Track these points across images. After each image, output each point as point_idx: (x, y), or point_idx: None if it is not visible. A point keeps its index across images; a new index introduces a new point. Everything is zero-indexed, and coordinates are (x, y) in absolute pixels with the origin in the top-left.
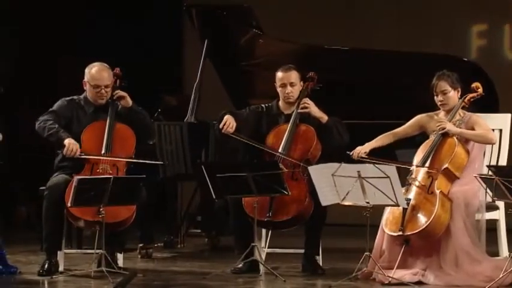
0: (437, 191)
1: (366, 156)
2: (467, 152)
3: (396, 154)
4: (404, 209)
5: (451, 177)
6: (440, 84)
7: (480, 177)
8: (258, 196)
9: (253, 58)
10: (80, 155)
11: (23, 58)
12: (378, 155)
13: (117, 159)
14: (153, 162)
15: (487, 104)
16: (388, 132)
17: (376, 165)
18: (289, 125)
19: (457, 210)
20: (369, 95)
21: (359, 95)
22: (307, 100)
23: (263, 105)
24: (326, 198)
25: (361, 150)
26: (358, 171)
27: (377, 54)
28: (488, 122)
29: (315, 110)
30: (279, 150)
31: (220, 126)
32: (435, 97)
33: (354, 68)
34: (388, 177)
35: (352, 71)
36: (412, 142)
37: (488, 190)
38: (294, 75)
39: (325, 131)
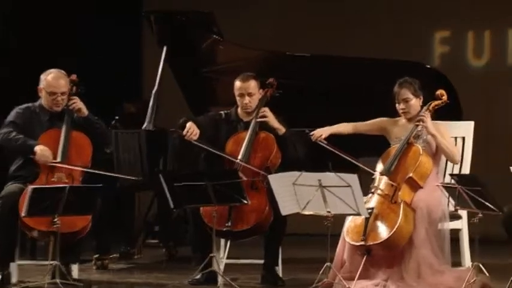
0: (401, 201)
1: (324, 142)
2: (431, 161)
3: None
4: (367, 218)
5: (414, 186)
6: (402, 92)
7: (443, 186)
8: (217, 205)
9: (213, 65)
10: (52, 162)
11: None
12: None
13: (88, 170)
14: (128, 177)
15: (450, 112)
16: (350, 123)
17: (338, 173)
18: (249, 132)
19: (420, 220)
20: (333, 102)
21: (322, 103)
22: (266, 110)
23: (222, 112)
24: (286, 207)
25: (321, 132)
26: (319, 180)
27: (340, 61)
28: (451, 130)
29: (272, 120)
30: (239, 158)
31: (184, 133)
32: (397, 105)
33: (316, 75)
34: (349, 186)
35: (315, 78)
36: (374, 149)
37: (450, 199)
38: (252, 85)
39: (281, 143)
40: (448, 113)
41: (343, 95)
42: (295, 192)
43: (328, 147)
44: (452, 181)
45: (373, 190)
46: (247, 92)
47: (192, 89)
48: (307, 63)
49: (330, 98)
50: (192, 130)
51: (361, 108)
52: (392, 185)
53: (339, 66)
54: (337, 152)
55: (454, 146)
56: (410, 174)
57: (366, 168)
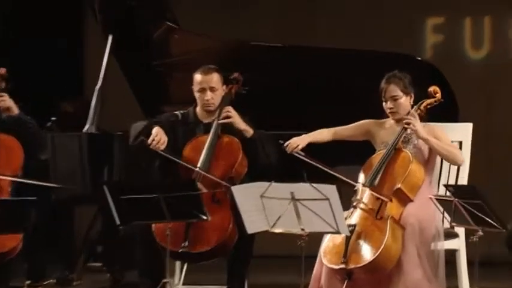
0: (388, 216)
1: (302, 153)
2: (423, 169)
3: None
4: (348, 237)
5: (403, 199)
6: (389, 88)
7: (436, 199)
8: (172, 222)
9: (167, 57)
10: None
11: None
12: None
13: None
14: (45, 184)
15: (445, 112)
16: (329, 129)
17: (314, 184)
18: (209, 136)
19: (410, 239)
20: (308, 101)
21: (296, 102)
22: (229, 109)
23: (178, 113)
24: (253, 224)
25: (297, 142)
26: (292, 192)
27: (316, 52)
28: (446, 133)
29: (238, 121)
30: (198, 166)
31: (149, 141)
32: (384, 103)
33: (289, 68)
34: (327, 199)
35: (287, 73)
36: (358, 155)
37: (445, 214)
38: (215, 79)
39: (249, 146)
40: (442, 113)
41: (320, 92)
42: (263, 207)
43: (306, 159)
44: (448, 193)
45: (355, 204)
46: (210, 86)
47: (142, 85)
48: (278, 55)
49: (304, 96)
50: (159, 138)
51: (342, 108)
52: (377, 198)
53: (315, 58)
54: (317, 164)
55: (453, 145)
56: (399, 185)
57: (347, 179)
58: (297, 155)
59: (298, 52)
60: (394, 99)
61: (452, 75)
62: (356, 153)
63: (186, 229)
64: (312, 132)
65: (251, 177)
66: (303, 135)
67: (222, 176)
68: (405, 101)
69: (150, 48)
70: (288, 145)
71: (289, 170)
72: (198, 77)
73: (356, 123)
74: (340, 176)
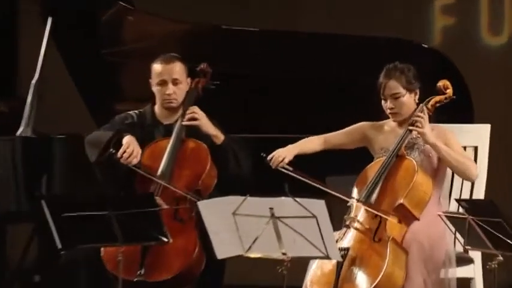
0: (388, 238)
1: (290, 168)
2: (431, 181)
3: (326, 182)
4: (339, 264)
5: (407, 217)
6: (389, 84)
7: (446, 216)
8: (125, 245)
9: (119, 44)
10: None
11: None
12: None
13: None
14: None
15: (457, 111)
16: (318, 136)
17: (298, 199)
18: (171, 141)
19: (415, 265)
20: (292, 99)
21: (277, 100)
22: (195, 109)
23: (132, 113)
24: (223, 248)
25: (282, 155)
26: (271, 209)
27: (301, 39)
28: (458, 137)
29: (206, 124)
30: (156, 176)
31: (120, 154)
32: (383, 102)
33: (269, 59)
34: (314, 216)
35: (266, 64)
36: (351, 164)
37: (458, 235)
38: (178, 69)
39: (218, 155)
40: (453, 112)
41: (306, 89)
42: (236, 226)
43: (295, 175)
44: (460, 209)
45: (348, 223)
46: (172, 77)
47: (88, 78)
48: (256, 42)
49: (286, 93)
50: (131, 149)
51: (331, 107)
52: (375, 216)
53: (301, 47)
54: (310, 181)
55: (466, 156)
56: (401, 201)
57: (338, 194)
58: (283, 170)
59: (282, 38)
60: (395, 97)
61: (465, 65)
62: (350, 160)
63: (142, 254)
64: (299, 142)
65: (221, 190)
66: (289, 146)
67: (187, 188)
68: (409, 99)
69: (99, 34)
70: (271, 159)
71: (267, 180)
72: (157, 67)
73: (349, 128)
74: (332, 191)
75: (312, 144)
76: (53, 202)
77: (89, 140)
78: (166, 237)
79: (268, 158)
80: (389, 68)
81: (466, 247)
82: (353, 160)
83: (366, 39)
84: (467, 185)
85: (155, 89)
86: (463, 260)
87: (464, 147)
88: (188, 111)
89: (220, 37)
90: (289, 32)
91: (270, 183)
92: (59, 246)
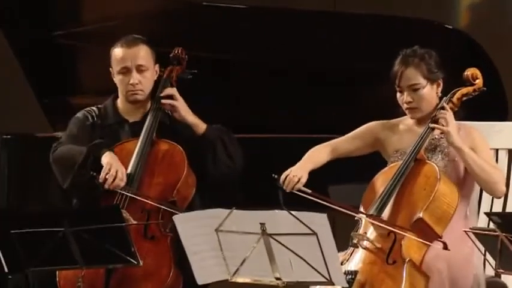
0: (404, 261)
1: (308, 191)
2: (456, 191)
3: (329, 192)
4: None
5: (427, 235)
6: (407, 73)
7: (474, 233)
8: (85, 269)
9: (75, 24)
10: None
11: None
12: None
13: None
14: None
15: (487, 106)
16: (324, 144)
17: (294, 212)
18: (139, 142)
19: None
20: (285, 91)
21: (276, 89)
22: (172, 91)
23: (92, 111)
24: (205, 271)
25: (299, 176)
26: (262, 224)
27: (301, 17)
28: (488, 138)
29: (184, 110)
30: (121, 185)
31: (102, 178)
32: (398, 95)
33: (257, 43)
34: (314, 233)
35: (254, 49)
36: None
37: (488, 255)
38: (142, 53)
39: (202, 148)
40: (483, 108)
41: (305, 79)
42: (220, 245)
43: (314, 198)
44: (491, 225)
45: (356, 241)
46: (136, 63)
47: (38, 66)
48: (248, 22)
49: (282, 84)
50: (114, 172)
51: (336, 102)
52: (388, 233)
53: (299, 28)
54: (331, 204)
55: (495, 166)
56: (420, 215)
57: (347, 211)
58: (299, 193)
59: (276, 18)
60: (414, 88)
61: (497, 50)
62: (358, 166)
63: (106, 278)
64: (307, 156)
65: (205, 197)
66: (300, 163)
67: (159, 199)
68: (430, 91)
69: (50, 13)
70: (285, 181)
71: (257, 190)
72: (118, 52)
73: (357, 131)
74: (343, 209)
75: (321, 155)
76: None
77: (57, 160)
78: (135, 259)
79: (281, 179)
80: (406, 53)
81: (498, 270)
82: (361, 165)
83: (378, 19)
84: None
85: (117, 78)
86: (495, 285)
87: (496, 150)
88: (163, 94)
89: (200, 16)
90: (286, 9)
91: (261, 193)
92: (6, 269)
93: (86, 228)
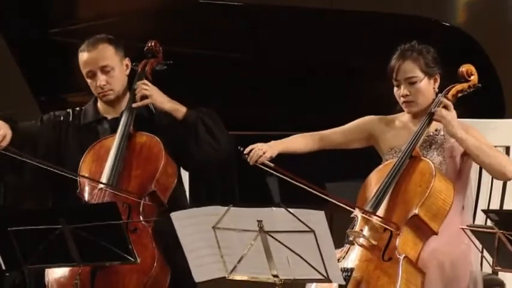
0: (400, 257)
1: (270, 164)
2: (452, 188)
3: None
4: (342, 287)
5: (423, 231)
6: (404, 66)
7: (472, 231)
8: (82, 266)
9: (71, 21)
10: None
11: None
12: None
13: None
14: None
15: (484, 104)
16: (313, 133)
17: (291, 209)
18: (117, 137)
19: None
20: (287, 87)
21: (271, 87)
22: (145, 84)
23: (69, 111)
24: (203, 269)
25: (264, 150)
26: (260, 221)
27: (297, 14)
28: (486, 135)
29: (159, 98)
30: (103, 181)
31: None
32: (395, 89)
33: (255, 41)
34: (311, 231)
35: (251, 47)
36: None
37: (486, 252)
38: (105, 53)
39: (185, 133)
40: (480, 105)
41: (301, 76)
42: (217, 243)
43: (277, 173)
44: (489, 222)
45: (351, 239)
46: (99, 66)
47: (35, 63)
48: (239, 20)
49: (276, 81)
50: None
51: (332, 99)
52: (384, 230)
53: (296, 25)
54: (295, 181)
55: (498, 151)
56: (416, 211)
57: (340, 203)
58: (263, 167)
59: (272, 15)
60: (411, 81)
61: (494, 47)
62: (353, 163)
63: (91, 271)
64: (287, 138)
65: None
66: (273, 142)
67: (139, 191)
68: (427, 85)
69: (47, 11)
70: (250, 153)
71: (254, 186)
72: (81, 56)
73: (352, 124)
74: (331, 199)
75: (303, 141)
76: None
77: None
78: (133, 256)
79: (245, 151)
80: (404, 48)
81: (496, 268)
82: (357, 163)
83: (375, 17)
84: (496, 193)
85: (88, 82)
86: (492, 283)
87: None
88: (137, 90)
89: (196, 14)
90: (282, 7)
91: (258, 190)
92: (3, 267)
93: (83, 225)
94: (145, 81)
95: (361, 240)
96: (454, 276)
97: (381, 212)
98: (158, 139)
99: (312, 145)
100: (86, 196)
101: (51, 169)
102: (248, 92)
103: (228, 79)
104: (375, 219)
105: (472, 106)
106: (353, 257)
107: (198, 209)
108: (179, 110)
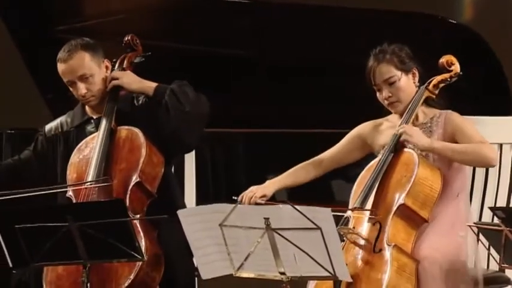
0: (389, 246)
1: (262, 202)
2: (438, 174)
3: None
4: (337, 283)
5: (412, 219)
6: (379, 69)
7: (478, 228)
8: (89, 263)
9: (79, 19)
10: None
11: None
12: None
13: None
14: None
15: (490, 100)
16: (308, 161)
17: (298, 207)
18: (99, 134)
19: (430, 281)
20: (285, 84)
21: (268, 84)
22: (115, 74)
23: (57, 123)
24: (209, 266)
25: (255, 192)
26: (267, 219)
27: (301, 11)
28: (491, 133)
29: (127, 82)
30: (89, 179)
31: None
32: (378, 94)
33: (260, 38)
34: (318, 228)
35: (255, 44)
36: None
37: (492, 250)
38: (81, 62)
39: (158, 108)
40: (486, 102)
41: (301, 74)
42: (224, 240)
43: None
44: (495, 220)
45: (343, 234)
46: (77, 75)
47: (42, 61)
48: (242, 17)
49: (278, 79)
50: None
51: (332, 99)
52: (374, 223)
53: (300, 23)
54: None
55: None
56: (402, 201)
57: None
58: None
59: (275, 12)
60: (390, 82)
61: (501, 44)
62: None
63: (87, 272)
64: (284, 174)
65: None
66: (268, 181)
67: (124, 183)
68: (406, 81)
69: (52, 8)
70: (242, 197)
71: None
72: (59, 67)
73: (345, 138)
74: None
75: (303, 172)
76: (2, 211)
77: None
78: (140, 254)
79: (239, 199)
80: (376, 52)
81: (502, 265)
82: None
83: (379, 14)
84: (503, 190)
85: (71, 89)
86: (499, 280)
87: (500, 145)
88: (108, 82)
89: (201, 11)
90: (286, 4)
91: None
92: (11, 264)
93: (90, 223)
94: (117, 72)
95: (353, 236)
96: (453, 271)
97: (368, 206)
98: (138, 130)
99: (315, 172)
100: (74, 197)
101: (42, 192)
102: (250, 90)
103: (231, 76)
104: (359, 213)
105: (478, 103)
106: (345, 254)
107: (205, 206)
108: (149, 86)
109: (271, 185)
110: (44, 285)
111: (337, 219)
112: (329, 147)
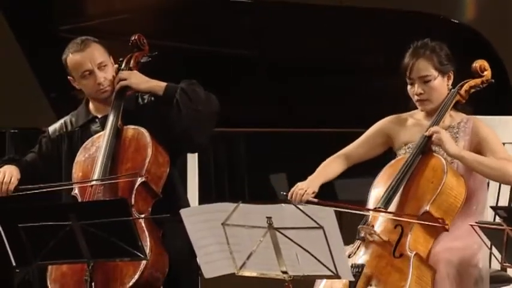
0: (411, 253)
1: (314, 200)
2: (463, 184)
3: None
4: (352, 283)
5: (434, 228)
6: (418, 65)
7: (480, 227)
8: (92, 262)
9: (83, 18)
10: None
11: None
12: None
13: None
14: None
15: (494, 100)
16: (336, 155)
17: (301, 206)
18: (106, 133)
19: (444, 286)
20: (293, 83)
21: (274, 84)
22: (123, 74)
23: (61, 123)
24: (212, 265)
25: (305, 188)
26: (269, 218)
27: (305, 12)
28: (496, 131)
29: (136, 80)
30: (94, 178)
31: None
32: (409, 87)
33: (265, 38)
34: (320, 227)
35: (260, 43)
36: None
37: (494, 249)
38: (98, 52)
39: (169, 108)
40: (491, 101)
41: (309, 74)
42: (226, 239)
43: (323, 206)
44: (497, 219)
45: (363, 235)
46: (96, 63)
47: (45, 61)
48: (245, 16)
49: (284, 79)
50: (6, 179)
51: (339, 97)
52: (395, 226)
53: (304, 22)
54: (339, 208)
55: (505, 157)
56: (427, 208)
57: (357, 211)
58: (307, 204)
59: (280, 12)
60: (425, 80)
61: (504, 44)
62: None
63: (90, 271)
64: (318, 170)
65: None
66: (310, 177)
67: (129, 183)
68: (441, 83)
69: (56, 8)
70: (292, 194)
71: (263, 184)
72: (74, 58)
73: (368, 133)
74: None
75: (335, 166)
76: (5, 210)
77: None
78: (143, 253)
79: (289, 195)
80: (417, 45)
81: (504, 264)
82: (369, 160)
83: (383, 13)
84: (505, 190)
85: (81, 83)
86: (500, 279)
87: (504, 144)
88: (116, 81)
89: (205, 10)
90: (291, 3)
91: (267, 188)
92: (14, 263)
93: (93, 222)
94: (125, 71)
95: (373, 237)
96: (465, 272)
97: (392, 208)
98: (144, 130)
99: (343, 166)
100: (80, 196)
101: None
102: (254, 89)
103: (233, 75)
104: (386, 216)
105: (482, 102)
106: (364, 253)
107: (208, 205)
108: (158, 86)
109: (316, 181)
110: (49, 283)
111: (359, 218)
112: (330, 146)
